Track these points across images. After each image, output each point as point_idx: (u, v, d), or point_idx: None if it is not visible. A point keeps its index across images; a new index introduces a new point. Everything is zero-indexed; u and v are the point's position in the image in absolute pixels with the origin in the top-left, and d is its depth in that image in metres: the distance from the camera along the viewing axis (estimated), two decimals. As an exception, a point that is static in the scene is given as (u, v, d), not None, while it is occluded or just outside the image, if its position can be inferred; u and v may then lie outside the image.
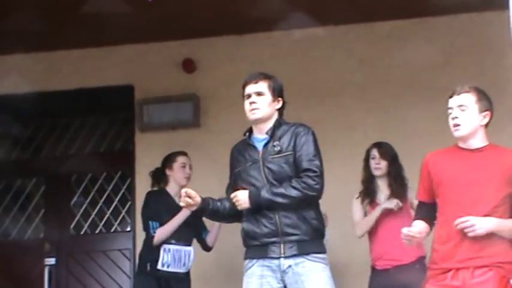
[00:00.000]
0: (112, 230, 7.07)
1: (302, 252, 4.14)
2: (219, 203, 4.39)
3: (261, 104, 4.33)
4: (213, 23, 6.44)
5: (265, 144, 4.31)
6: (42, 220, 7.17)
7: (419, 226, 4.02)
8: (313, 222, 4.21)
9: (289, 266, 4.14)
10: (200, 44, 6.73)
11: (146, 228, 5.64)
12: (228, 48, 6.73)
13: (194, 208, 4.33)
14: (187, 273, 5.68)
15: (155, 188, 5.87)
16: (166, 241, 5.58)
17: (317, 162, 4.21)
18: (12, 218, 7.19)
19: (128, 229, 6.89)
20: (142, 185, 6.35)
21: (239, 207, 4.21)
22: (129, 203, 7.00)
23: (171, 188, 5.72)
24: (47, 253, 6.87)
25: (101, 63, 6.84)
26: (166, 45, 6.78)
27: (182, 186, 5.60)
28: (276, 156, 4.25)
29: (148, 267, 5.58)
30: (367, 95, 6.49)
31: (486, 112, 3.95)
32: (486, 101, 3.98)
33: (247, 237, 4.25)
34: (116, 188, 7.15)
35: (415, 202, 5.28)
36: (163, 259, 5.55)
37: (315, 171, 4.17)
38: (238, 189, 4.26)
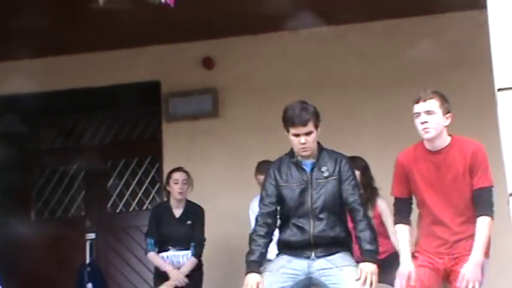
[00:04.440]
0: (144, 207, 7.08)
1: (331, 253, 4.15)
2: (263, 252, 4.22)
3: (312, 140, 4.17)
4: (230, 25, 6.45)
5: (312, 168, 4.19)
6: (83, 200, 7.23)
7: (406, 249, 3.94)
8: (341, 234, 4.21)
9: (319, 257, 4.15)
10: (218, 43, 6.73)
11: (145, 242, 5.74)
12: (243, 46, 6.73)
13: None
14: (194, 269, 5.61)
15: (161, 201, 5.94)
16: (164, 249, 5.60)
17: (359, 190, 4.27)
18: (57, 199, 7.26)
19: (158, 207, 6.97)
20: (169, 168, 6.31)
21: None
22: (158, 185, 7.02)
23: (172, 201, 5.69)
24: (87, 229, 6.82)
25: (132, 62, 6.85)
26: (188, 46, 6.77)
27: (177, 200, 5.65)
28: (323, 180, 4.17)
29: (154, 270, 5.73)
30: (365, 86, 6.50)
31: (449, 114, 3.92)
32: (448, 104, 3.93)
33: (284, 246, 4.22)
34: (146, 172, 7.17)
35: (385, 211, 5.20)
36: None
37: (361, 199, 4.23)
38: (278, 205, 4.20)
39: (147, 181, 7.16)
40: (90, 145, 7.27)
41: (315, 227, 4.15)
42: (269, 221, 4.21)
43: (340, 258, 4.16)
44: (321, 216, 4.14)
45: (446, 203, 3.91)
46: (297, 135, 4.14)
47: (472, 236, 3.86)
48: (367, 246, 4.09)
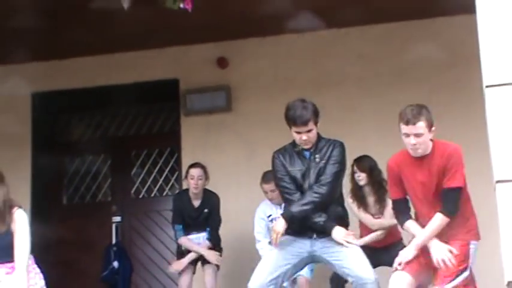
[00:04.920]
0: (164, 194, 7.08)
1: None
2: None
3: (312, 136, 4.25)
4: (242, 28, 6.44)
5: (311, 154, 4.25)
6: (110, 187, 7.22)
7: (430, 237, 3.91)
8: (338, 212, 4.26)
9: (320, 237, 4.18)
10: (231, 45, 6.72)
11: (173, 228, 5.74)
12: (253, 48, 6.72)
13: None
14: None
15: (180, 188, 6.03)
16: (188, 234, 5.64)
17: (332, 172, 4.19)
18: (86, 186, 7.26)
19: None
20: (187, 158, 6.40)
21: (281, 232, 4.15)
22: (176, 173, 7.02)
23: (190, 193, 5.69)
24: (113, 213, 6.90)
25: (153, 61, 6.86)
26: (204, 47, 6.77)
27: (194, 193, 5.65)
28: (318, 165, 4.22)
29: (177, 248, 5.76)
30: (364, 83, 6.48)
31: (433, 128, 3.87)
32: (431, 118, 3.85)
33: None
34: (166, 161, 7.16)
35: (388, 207, 5.02)
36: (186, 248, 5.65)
37: (324, 181, 4.18)
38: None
39: (167, 170, 7.16)
40: (116, 137, 7.29)
41: None
42: (298, 194, 4.21)
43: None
44: None
45: (428, 201, 3.92)
46: (299, 133, 4.19)
47: (452, 225, 3.87)
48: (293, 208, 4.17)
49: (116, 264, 6.45)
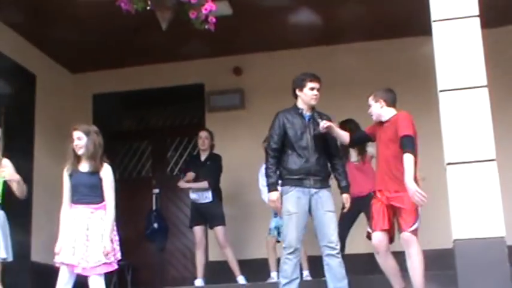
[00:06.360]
0: None
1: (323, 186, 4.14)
2: None
3: (319, 96, 4.27)
4: (254, 44, 6.50)
5: (310, 117, 4.23)
6: (151, 166, 7.22)
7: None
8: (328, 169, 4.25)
9: (315, 192, 4.10)
10: (245, 57, 6.75)
11: None
12: (262, 59, 6.74)
13: None
14: (214, 202, 5.64)
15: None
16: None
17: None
18: (132, 166, 7.29)
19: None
20: (211, 145, 6.46)
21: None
22: None
23: (200, 150, 5.87)
24: (153, 186, 6.91)
25: (185, 70, 6.89)
26: (223, 59, 6.79)
27: (202, 149, 5.81)
28: (316, 126, 4.19)
29: (191, 205, 5.83)
30: (348, 88, 6.48)
31: (380, 100, 4.11)
32: (380, 93, 4.11)
33: (289, 173, 4.11)
34: (194, 147, 7.05)
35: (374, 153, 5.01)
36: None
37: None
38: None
39: (195, 153, 7.18)
40: (156, 127, 7.30)
41: (313, 157, 4.12)
42: (277, 154, 4.15)
43: (327, 201, 4.10)
44: (316, 150, 4.14)
45: (384, 153, 4.06)
46: (313, 89, 4.19)
47: (397, 174, 3.95)
48: (344, 183, 4.21)
49: (155, 225, 6.51)
